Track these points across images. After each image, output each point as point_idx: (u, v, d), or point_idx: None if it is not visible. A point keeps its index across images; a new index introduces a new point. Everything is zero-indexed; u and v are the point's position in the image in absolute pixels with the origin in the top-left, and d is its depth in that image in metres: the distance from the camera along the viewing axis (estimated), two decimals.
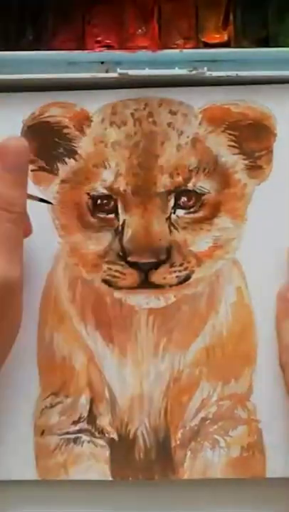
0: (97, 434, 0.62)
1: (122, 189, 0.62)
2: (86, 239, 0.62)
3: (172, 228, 0.62)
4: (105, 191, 0.62)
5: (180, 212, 0.62)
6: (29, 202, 0.58)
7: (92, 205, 0.62)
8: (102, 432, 0.62)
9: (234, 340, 0.63)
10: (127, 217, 0.62)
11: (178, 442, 0.62)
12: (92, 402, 0.62)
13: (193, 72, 0.62)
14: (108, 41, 0.68)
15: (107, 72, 0.63)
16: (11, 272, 0.54)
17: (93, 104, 0.63)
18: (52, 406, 0.62)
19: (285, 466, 0.61)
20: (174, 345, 0.62)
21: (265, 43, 0.68)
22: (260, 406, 0.62)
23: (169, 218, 0.62)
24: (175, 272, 0.62)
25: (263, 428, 0.62)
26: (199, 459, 0.62)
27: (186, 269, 0.62)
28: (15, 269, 0.54)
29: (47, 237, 0.63)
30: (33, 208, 0.61)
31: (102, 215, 0.62)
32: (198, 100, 0.63)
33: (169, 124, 0.62)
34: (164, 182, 0.61)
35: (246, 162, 0.63)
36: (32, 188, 0.62)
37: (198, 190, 0.62)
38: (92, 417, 0.62)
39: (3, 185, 0.54)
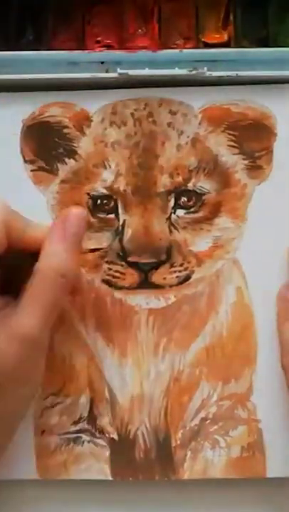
0: (97, 434, 0.62)
1: (122, 189, 0.61)
2: (86, 239, 0.61)
3: (172, 228, 0.62)
4: (105, 191, 0.62)
5: (180, 212, 0.62)
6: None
7: (92, 205, 0.62)
8: (102, 431, 0.62)
9: (234, 341, 0.63)
10: (127, 217, 0.62)
11: (178, 442, 0.62)
12: (92, 402, 0.62)
13: (193, 72, 0.62)
14: (108, 41, 0.68)
15: (107, 72, 0.63)
16: (41, 333, 0.54)
17: (93, 104, 0.63)
18: (52, 406, 0.62)
19: (286, 466, 0.61)
20: (174, 345, 0.62)
21: (265, 43, 0.68)
22: (260, 406, 0.62)
23: (169, 218, 0.62)
24: (175, 272, 0.61)
25: (263, 428, 0.62)
26: (199, 459, 0.62)
27: (186, 269, 0.62)
28: (46, 332, 0.55)
29: None
30: (33, 208, 0.61)
31: (102, 215, 0.62)
32: (198, 100, 0.63)
33: (169, 124, 0.62)
34: (164, 182, 0.61)
35: (246, 162, 0.63)
36: (32, 188, 0.63)
37: (198, 190, 0.62)
38: (92, 417, 0.62)
39: (62, 250, 0.55)
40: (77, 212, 0.57)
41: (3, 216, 0.55)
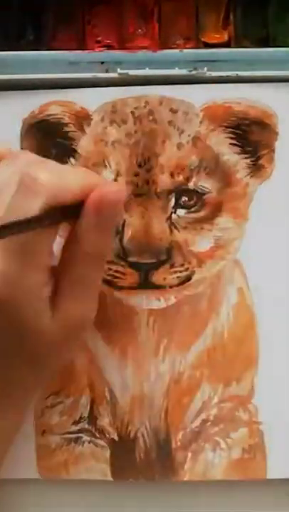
0: (97, 434, 0.62)
1: None
2: None
3: (173, 228, 0.61)
4: None
5: (181, 211, 0.61)
6: None
7: None
8: (102, 432, 0.62)
9: (236, 342, 0.62)
10: (127, 217, 0.61)
11: (178, 444, 0.61)
12: (92, 402, 0.62)
13: (193, 72, 0.62)
14: (108, 41, 0.68)
15: (107, 72, 0.63)
16: (93, 314, 0.55)
17: (93, 102, 0.63)
18: (52, 406, 0.62)
19: (287, 468, 0.61)
20: (174, 346, 0.62)
21: (265, 43, 0.68)
22: (261, 408, 0.62)
23: (169, 218, 0.61)
24: (176, 272, 0.61)
25: (265, 430, 0.62)
26: (200, 460, 0.61)
27: (186, 269, 0.61)
28: (93, 315, 0.56)
29: None
30: None
31: None
32: (200, 98, 0.62)
33: (170, 123, 0.62)
34: (164, 181, 0.61)
35: (248, 161, 0.62)
36: None
37: (199, 190, 0.61)
38: (92, 418, 0.62)
39: (101, 231, 0.53)
40: (115, 189, 0.53)
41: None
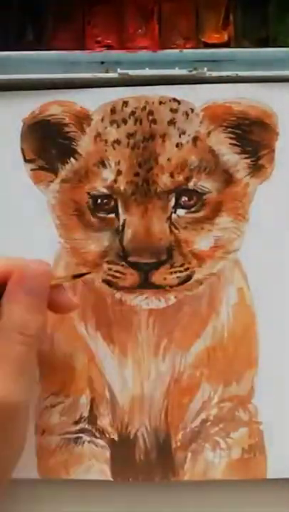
0: (97, 434, 0.62)
1: (122, 188, 0.61)
2: (86, 238, 0.62)
3: (173, 228, 0.61)
4: (105, 191, 0.62)
5: (181, 211, 0.61)
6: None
7: (92, 204, 0.62)
8: (102, 432, 0.62)
9: (235, 342, 0.62)
10: (127, 217, 0.61)
11: (178, 444, 0.61)
12: (92, 402, 0.62)
13: (194, 72, 0.62)
14: (108, 41, 0.68)
15: (107, 72, 0.63)
16: (14, 395, 0.52)
17: (93, 102, 0.63)
18: (52, 406, 0.62)
19: (287, 468, 0.61)
20: (174, 346, 0.62)
21: (265, 43, 0.68)
22: (261, 408, 0.62)
23: (169, 218, 0.61)
24: (176, 272, 0.61)
25: (265, 430, 0.62)
26: (200, 460, 0.61)
27: (186, 269, 0.61)
28: (19, 392, 0.53)
29: (47, 237, 0.62)
30: (32, 208, 0.61)
31: (102, 215, 0.62)
32: (200, 98, 0.62)
33: (170, 123, 0.62)
34: (164, 181, 0.61)
35: (248, 161, 0.62)
36: (32, 188, 0.63)
37: (199, 190, 0.62)
38: (92, 418, 0.62)
39: (20, 307, 0.53)
40: (38, 268, 0.55)
41: None
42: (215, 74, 0.63)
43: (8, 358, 0.52)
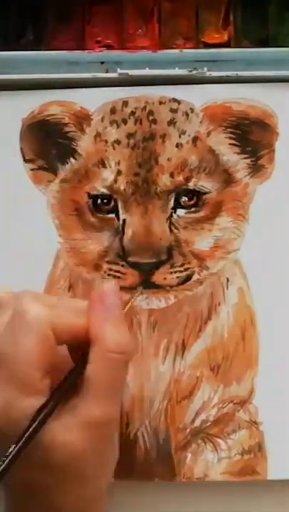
0: None
1: (122, 188, 0.61)
2: (86, 239, 0.62)
3: (173, 228, 0.61)
4: (105, 191, 0.61)
5: (181, 211, 0.61)
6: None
7: (92, 204, 0.62)
8: None
9: (236, 342, 0.62)
10: (127, 217, 0.61)
11: (178, 444, 0.61)
12: None
13: (193, 72, 0.62)
14: (108, 41, 0.68)
15: (107, 72, 0.63)
16: (115, 422, 0.52)
17: (93, 102, 0.63)
18: None
19: (287, 468, 0.61)
20: (174, 346, 0.62)
21: (265, 43, 0.68)
22: (262, 409, 0.62)
23: (169, 218, 0.61)
24: (176, 272, 0.61)
25: (265, 431, 0.62)
26: (200, 460, 0.61)
27: (186, 269, 0.61)
28: (117, 419, 0.52)
29: (47, 237, 0.62)
30: (32, 208, 0.61)
31: (102, 215, 0.62)
32: (200, 98, 0.62)
33: (170, 123, 0.62)
34: (164, 181, 0.61)
35: (248, 161, 0.62)
36: (31, 188, 0.63)
37: (199, 190, 0.61)
38: None
39: (115, 327, 0.50)
40: (111, 287, 0.52)
41: (47, 324, 0.50)
42: (215, 74, 0.62)
43: (113, 383, 0.50)
